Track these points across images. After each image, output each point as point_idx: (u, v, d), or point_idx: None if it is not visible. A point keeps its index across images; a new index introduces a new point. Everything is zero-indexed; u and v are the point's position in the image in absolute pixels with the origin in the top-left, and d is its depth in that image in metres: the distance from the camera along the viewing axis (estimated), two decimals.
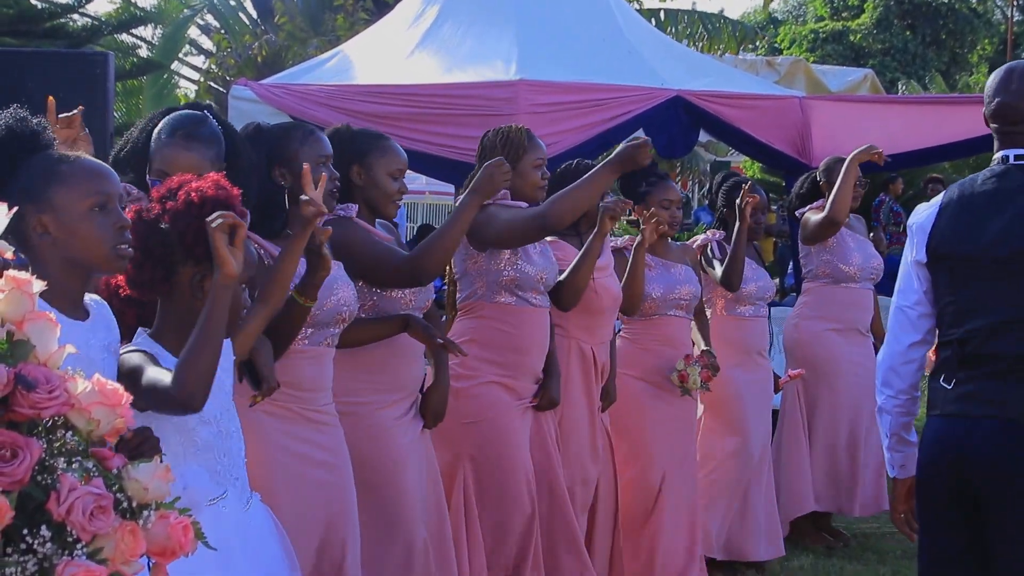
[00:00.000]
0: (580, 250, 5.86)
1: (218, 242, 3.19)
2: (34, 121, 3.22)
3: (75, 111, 4.31)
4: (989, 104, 4.07)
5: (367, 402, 4.92)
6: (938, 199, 4.15)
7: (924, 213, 4.14)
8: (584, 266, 5.80)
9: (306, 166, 4.05)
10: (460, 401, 5.36)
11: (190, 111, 4.43)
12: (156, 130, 4.32)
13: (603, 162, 5.37)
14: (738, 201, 7.07)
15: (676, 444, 6.69)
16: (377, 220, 5.05)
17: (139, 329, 3.51)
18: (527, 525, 5.55)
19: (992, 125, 4.09)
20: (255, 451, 4.14)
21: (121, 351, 3.36)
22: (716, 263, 7.20)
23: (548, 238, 5.80)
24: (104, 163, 3.32)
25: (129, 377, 3.26)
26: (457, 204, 5.03)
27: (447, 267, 5.67)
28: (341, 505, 4.56)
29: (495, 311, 5.57)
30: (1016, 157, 4.01)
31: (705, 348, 6.81)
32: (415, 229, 20.20)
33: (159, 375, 3.26)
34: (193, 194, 3.41)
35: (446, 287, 5.91)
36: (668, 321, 6.69)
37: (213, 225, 3.19)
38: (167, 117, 4.36)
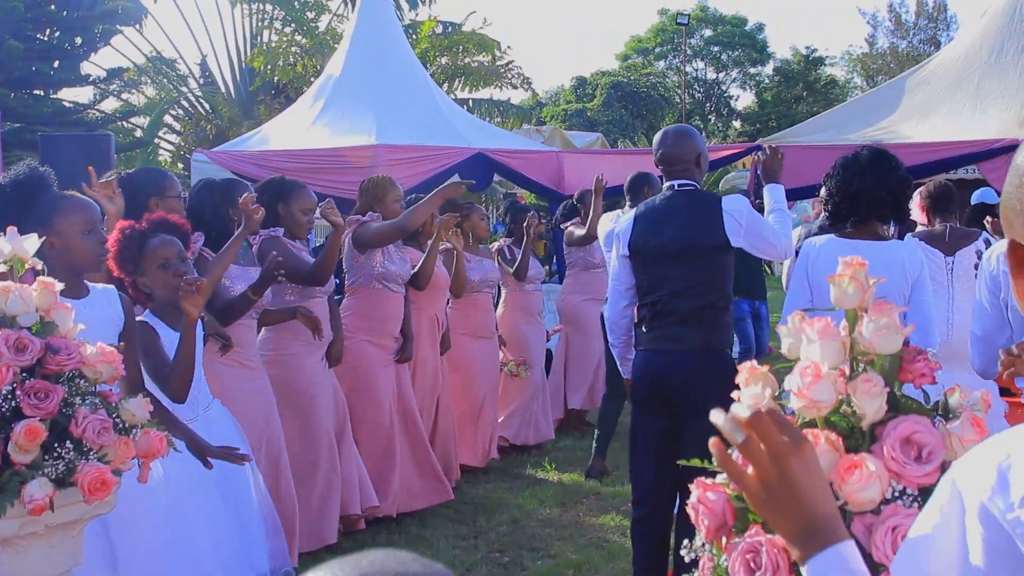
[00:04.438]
0: (423, 252, 5.95)
1: (183, 300, 3.19)
2: (41, 169, 3.15)
3: (112, 176, 4.19)
4: (656, 154, 4.17)
5: (295, 353, 4.91)
6: (632, 213, 4.22)
7: (624, 224, 4.21)
8: (429, 260, 5.87)
9: (246, 196, 4.19)
10: (345, 353, 5.35)
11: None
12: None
13: (431, 194, 5.37)
14: (526, 224, 7.16)
15: (490, 372, 6.79)
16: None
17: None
18: (388, 444, 5.53)
19: (660, 167, 4.19)
20: (220, 386, 4.16)
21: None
22: (507, 265, 7.29)
23: (403, 246, 5.80)
24: (87, 198, 3.27)
25: (143, 344, 3.31)
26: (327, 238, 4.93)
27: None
28: (272, 413, 4.54)
29: (369, 294, 5.53)
30: (679, 185, 4.13)
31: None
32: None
33: (159, 366, 3.32)
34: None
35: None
36: (485, 297, 6.76)
37: (183, 290, 3.21)
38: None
